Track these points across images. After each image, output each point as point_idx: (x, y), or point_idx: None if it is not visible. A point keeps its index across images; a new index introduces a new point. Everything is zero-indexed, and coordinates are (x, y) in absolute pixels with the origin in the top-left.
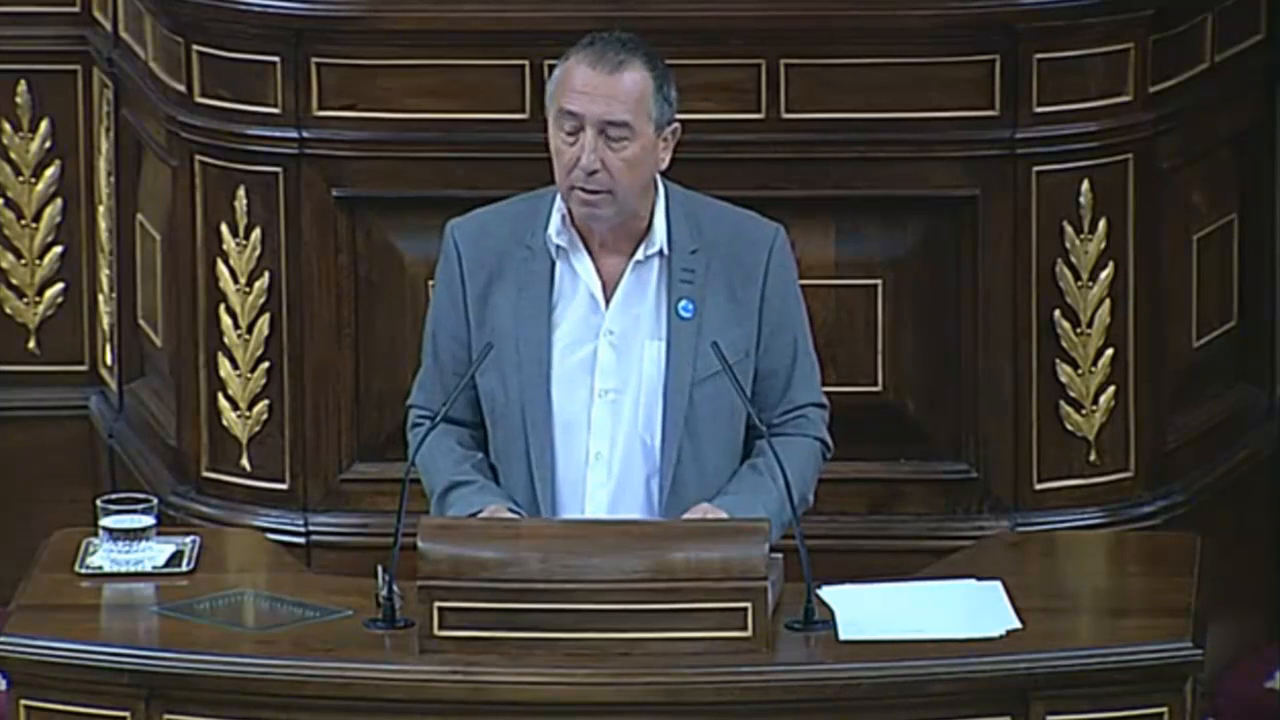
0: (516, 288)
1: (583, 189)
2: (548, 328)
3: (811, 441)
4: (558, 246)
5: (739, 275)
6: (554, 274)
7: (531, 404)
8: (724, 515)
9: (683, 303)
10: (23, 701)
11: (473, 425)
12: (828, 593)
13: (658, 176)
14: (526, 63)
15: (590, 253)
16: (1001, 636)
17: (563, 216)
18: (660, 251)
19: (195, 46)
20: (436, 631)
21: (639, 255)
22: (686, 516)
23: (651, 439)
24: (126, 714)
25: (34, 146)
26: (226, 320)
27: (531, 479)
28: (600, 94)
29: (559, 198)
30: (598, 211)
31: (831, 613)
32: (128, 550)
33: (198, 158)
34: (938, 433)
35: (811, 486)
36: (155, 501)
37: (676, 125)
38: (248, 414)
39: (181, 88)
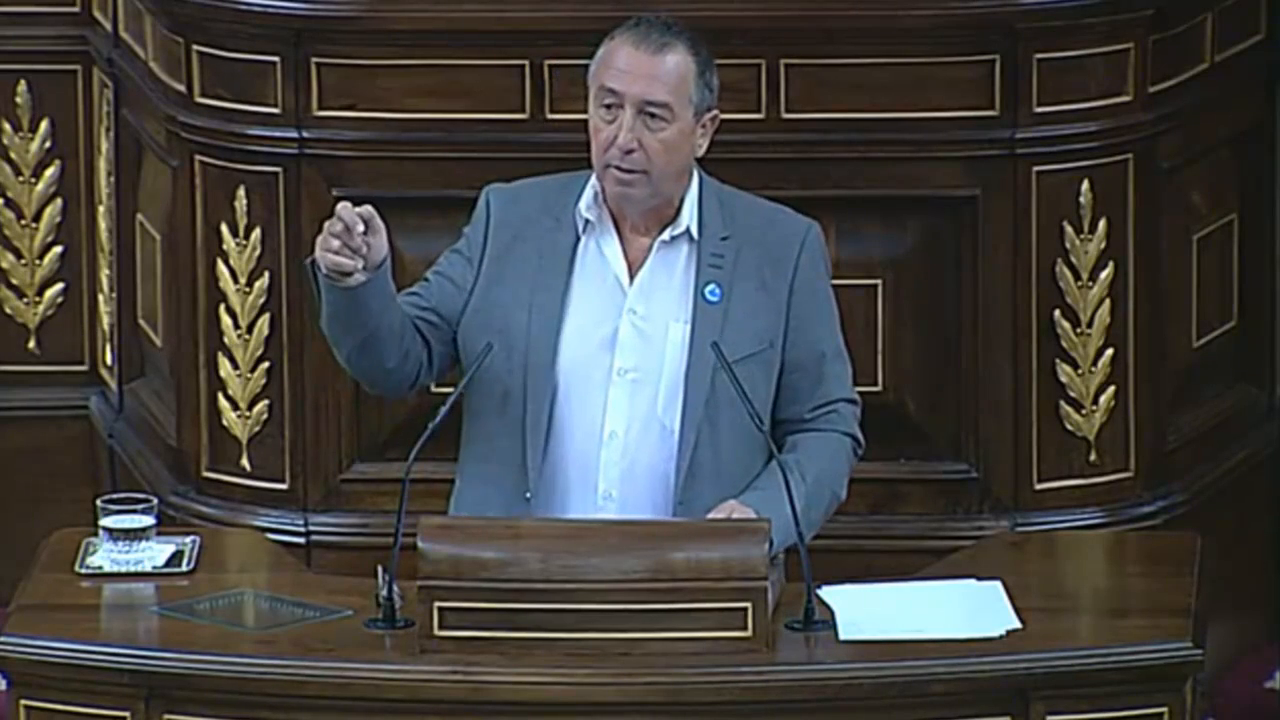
0: (537, 255)
1: (618, 168)
2: (563, 299)
3: (841, 437)
4: (586, 221)
5: (769, 265)
6: (576, 248)
7: (535, 368)
8: (751, 512)
9: (710, 287)
10: (23, 701)
11: (415, 315)
12: (828, 593)
13: (694, 164)
14: (526, 63)
15: (619, 232)
16: (1001, 636)
17: (595, 193)
18: (688, 234)
19: (195, 46)
20: (436, 631)
21: (665, 236)
22: (712, 515)
23: (670, 421)
24: (126, 714)
25: (34, 146)
26: (226, 320)
27: (524, 443)
28: (642, 74)
29: (594, 176)
30: (631, 191)
31: (831, 613)
32: (128, 550)
33: (198, 158)
34: (938, 433)
35: (843, 483)
36: (155, 501)
37: (716, 113)
38: (248, 414)
39: (181, 88)
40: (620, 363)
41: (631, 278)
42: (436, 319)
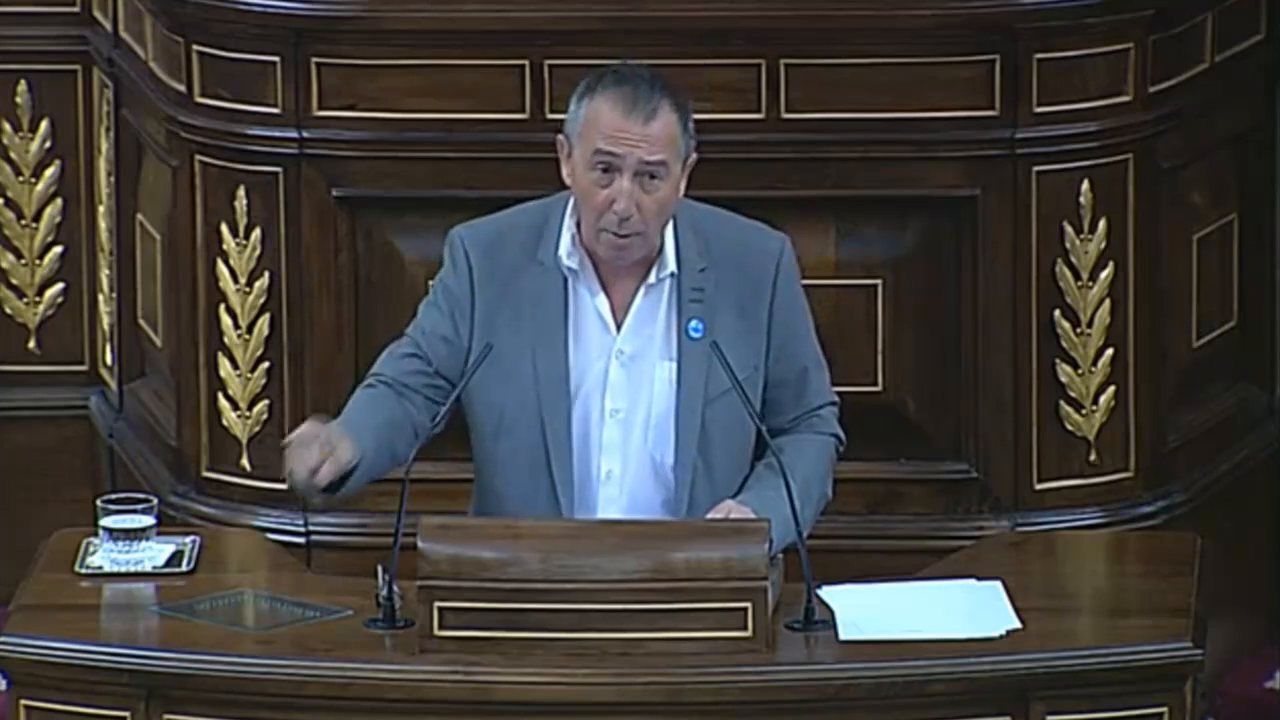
0: (531, 303)
1: (615, 233)
2: (565, 344)
3: (826, 439)
4: (569, 268)
5: (748, 290)
6: (567, 291)
7: (553, 418)
8: (749, 511)
9: (693, 323)
10: (23, 701)
11: (423, 383)
12: (828, 593)
13: None
14: (526, 63)
15: (600, 275)
16: (1001, 636)
17: (573, 236)
18: (671, 273)
19: (195, 46)
20: (436, 631)
21: (651, 279)
22: (711, 515)
23: (662, 457)
24: (126, 714)
25: (34, 146)
26: (226, 320)
27: (555, 493)
28: (638, 141)
29: (568, 214)
30: (628, 253)
31: (831, 613)
32: (128, 550)
33: (198, 158)
34: (938, 433)
35: (829, 481)
36: (155, 501)
37: (694, 156)
38: (248, 414)
39: (181, 88)
40: (611, 403)
41: (616, 318)
42: (442, 382)
